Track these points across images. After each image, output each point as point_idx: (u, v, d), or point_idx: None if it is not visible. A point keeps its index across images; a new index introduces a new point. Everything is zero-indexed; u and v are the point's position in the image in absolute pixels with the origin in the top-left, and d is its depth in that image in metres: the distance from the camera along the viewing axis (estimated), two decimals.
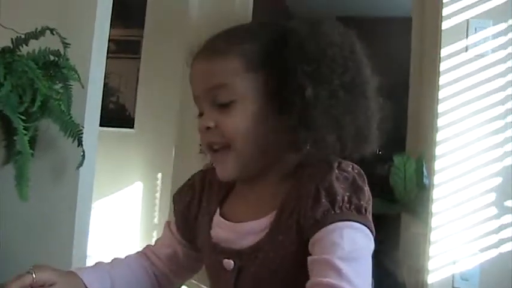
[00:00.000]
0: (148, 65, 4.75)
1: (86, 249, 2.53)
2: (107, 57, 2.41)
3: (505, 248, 2.48)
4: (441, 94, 2.56)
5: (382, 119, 1.05)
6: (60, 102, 2.09)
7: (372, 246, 0.93)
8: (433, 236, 2.55)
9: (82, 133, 2.10)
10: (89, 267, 1.11)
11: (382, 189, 3.40)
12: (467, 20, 2.54)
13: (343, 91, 0.95)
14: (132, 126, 4.78)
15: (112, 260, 1.16)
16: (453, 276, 2.51)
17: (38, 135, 2.19)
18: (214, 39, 1.03)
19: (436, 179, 2.56)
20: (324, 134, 0.94)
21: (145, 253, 1.20)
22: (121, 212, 4.56)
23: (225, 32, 1.03)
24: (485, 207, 2.50)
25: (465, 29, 2.53)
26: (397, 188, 3.17)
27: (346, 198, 0.92)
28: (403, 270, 3.32)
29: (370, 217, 0.94)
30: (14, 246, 2.06)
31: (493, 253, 2.49)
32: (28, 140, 2.01)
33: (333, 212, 0.91)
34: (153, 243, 1.22)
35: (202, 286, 4.03)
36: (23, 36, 2.09)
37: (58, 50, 2.12)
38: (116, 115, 4.86)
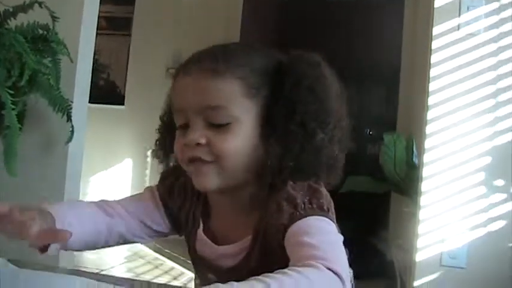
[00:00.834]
0: (139, 43, 4.72)
1: None
2: (98, 34, 2.39)
3: (493, 227, 2.49)
4: (432, 72, 2.55)
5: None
6: (49, 77, 2.08)
7: (340, 237, 0.95)
8: (421, 214, 2.56)
9: (71, 108, 2.09)
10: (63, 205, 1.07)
11: (372, 168, 3.41)
12: None
13: (336, 132, 1.01)
14: (122, 103, 4.76)
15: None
16: (441, 254, 2.53)
17: (26, 110, 2.18)
18: (212, 56, 1.00)
19: (426, 157, 2.57)
20: (320, 170, 1.00)
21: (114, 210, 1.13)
22: (111, 189, 4.56)
23: (223, 51, 1.02)
24: (474, 186, 2.51)
25: (457, 7, 2.52)
26: (386, 166, 3.17)
27: (306, 200, 0.95)
28: (392, 249, 3.34)
29: (333, 217, 0.97)
30: None
31: (482, 232, 2.50)
32: (16, 115, 2.00)
33: (297, 213, 0.93)
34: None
35: (174, 254, 4.04)
36: (11, 10, 2.07)
37: (47, 23, 2.10)
38: (106, 92, 4.84)
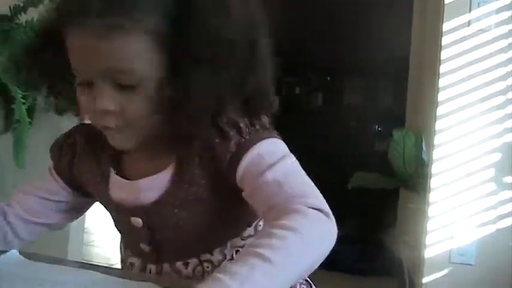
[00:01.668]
0: None
1: (83, 219, 2.53)
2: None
3: (502, 224, 2.49)
4: (442, 68, 2.54)
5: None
6: None
7: (293, 156, 0.92)
8: (431, 211, 2.55)
9: None
10: None
11: (381, 165, 3.40)
12: None
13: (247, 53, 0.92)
14: None
15: None
16: (450, 251, 2.52)
17: (36, 104, 2.19)
18: (108, 3, 0.84)
19: (435, 154, 2.56)
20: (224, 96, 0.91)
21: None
22: None
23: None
24: (483, 183, 2.50)
25: (468, 3, 2.51)
26: (395, 163, 3.16)
27: (247, 122, 0.92)
28: (400, 246, 3.33)
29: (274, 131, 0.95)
30: None
31: (491, 229, 2.49)
32: (26, 109, 2.01)
33: (243, 139, 0.90)
34: None
35: None
36: (21, 4, 2.08)
37: None
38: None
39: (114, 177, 1.01)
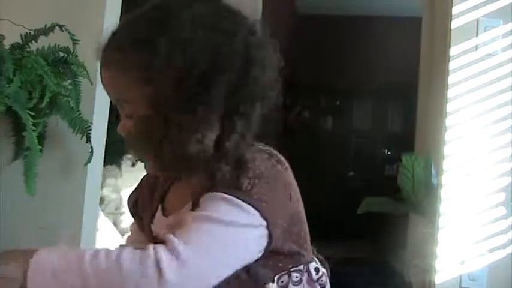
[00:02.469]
0: None
1: (94, 247, 2.54)
2: None
3: None
4: (450, 93, 2.54)
5: None
6: (69, 99, 2.10)
7: (244, 218, 0.89)
8: (440, 235, 2.54)
9: (90, 129, 2.11)
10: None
11: (390, 189, 3.39)
12: (477, 19, 2.52)
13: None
14: None
15: None
16: (461, 276, 2.50)
17: (46, 131, 2.20)
18: (110, 42, 1.00)
19: (445, 178, 2.55)
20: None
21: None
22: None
23: (118, 34, 1.01)
24: (494, 207, 2.49)
25: (475, 27, 2.52)
26: (405, 187, 3.16)
27: (228, 174, 0.91)
28: (410, 270, 3.31)
29: (255, 193, 0.90)
30: (21, 242, 2.07)
31: (502, 254, 2.47)
32: (37, 136, 2.02)
33: (211, 187, 0.92)
34: None
35: None
36: (32, 33, 2.10)
37: (67, 46, 2.13)
38: None
39: (158, 213, 1.10)
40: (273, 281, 0.97)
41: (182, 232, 0.85)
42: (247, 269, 0.91)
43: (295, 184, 0.98)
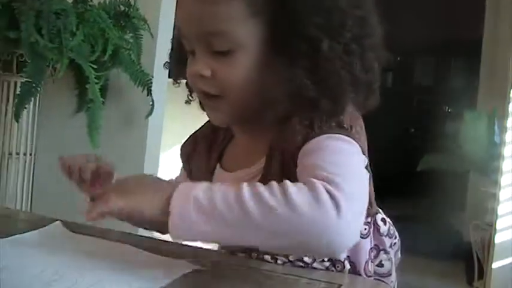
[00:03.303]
0: None
1: None
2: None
3: None
4: None
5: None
6: (131, 52, 2.13)
7: (360, 156, 0.86)
8: (502, 194, 2.49)
9: (151, 83, 2.14)
10: None
11: (451, 147, 3.34)
12: None
13: (355, 44, 0.88)
14: None
15: None
16: None
17: (108, 84, 2.25)
18: None
19: (508, 136, 2.49)
20: (339, 89, 0.88)
21: None
22: None
23: None
24: None
25: None
26: (466, 144, 3.10)
27: (324, 119, 0.86)
28: (470, 229, 3.27)
29: (359, 136, 0.87)
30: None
31: None
32: (99, 89, 2.06)
33: (312, 132, 0.85)
34: None
35: None
36: None
37: (128, 0, 2.15)
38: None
39: (217, 170, 1.03)
40: None
41: (320, 170, 0.77)
42: None
43: None
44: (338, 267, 0.94)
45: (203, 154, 1.07)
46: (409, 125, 5.89)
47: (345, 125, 0.86)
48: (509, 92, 2.48)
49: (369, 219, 0.98)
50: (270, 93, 0.89)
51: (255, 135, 0.97)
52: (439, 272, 3.54)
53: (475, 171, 3.42)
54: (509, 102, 2.48)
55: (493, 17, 3.77)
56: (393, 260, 1.02)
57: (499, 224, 2.49)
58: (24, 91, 2.02)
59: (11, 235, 0.90)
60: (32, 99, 2.07)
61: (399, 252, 1.04)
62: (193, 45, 0.91)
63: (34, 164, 2.29)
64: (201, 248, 1.04)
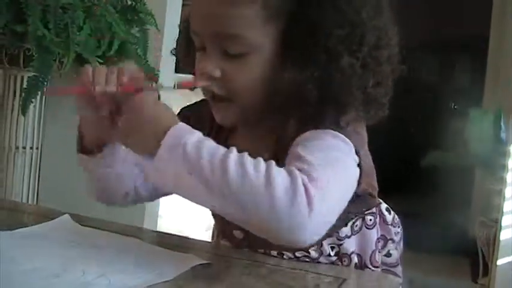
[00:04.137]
0: None
1: (157, 208, 2.59)
2: (184, 4, 2.42)
3: None
4: None
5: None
6: (137, 47, 2.13)
7: (349, 156, 0.84)
8: (508, 191, 2.49)
9: (158, 77, 2.14)
10: None
11: (456, 144, 3.33)
12: None
13: (371, 57, 0.87)
14: None
15: None
16: None
17: None
18: None
19: None
20: (349, 107, 0.87)
21: None
22: None
23: None
24: None
25: None
26: (472, 141, 3.10)
27: (323, 115, 0.85)
28: (475, 226, 3.27)
29: (356, 135, 0.87)
30: None
31: None
32: None
33: (306, 127, 0.85)
34: None
35: None
36: None
37: None
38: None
39: None
40: (346, 225, 0.95)
41: (301, 163, 0.77)
42: None
43: None
44: (345, 261, 0.95)
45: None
46: (414, 122, 5.88)
47: (340, 123, 0.85)
48: None
49: (374, 210, 0.98)
50: (276, 97, 0.87)
51: (259, 135, 0.95)
52: (443, 268, 3.54)
53: (480, 168, 3.42)
54: None
55: (499, 14, 3.76)
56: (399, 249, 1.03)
57: (505, 221, 2.49)
58: (31, 85, 2.02)
59: (18, 228, 0.90)
60: (39, 93, 2.08)
61: (401, 242, 1.04)
62: (205, 43, 0.89)
63: (40, 157, 2.29)
64: (208, 242, 1.05)
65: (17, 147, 2.19)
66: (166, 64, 2.21)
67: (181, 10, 2.40)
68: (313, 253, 0.94)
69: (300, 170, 0.76)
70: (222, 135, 1.00)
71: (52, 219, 0.96)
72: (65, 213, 0.99)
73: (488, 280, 2.79)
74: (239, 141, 0.97)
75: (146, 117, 0.81)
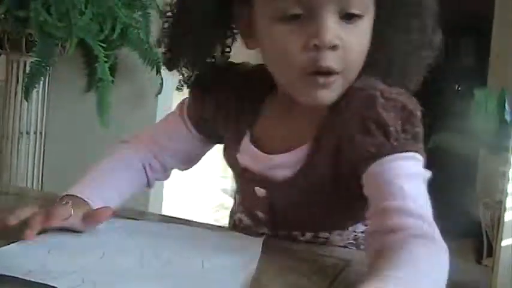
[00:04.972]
0: None
1: (162, 192, 2.59)
2: None
3: None
4: None
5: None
6: (139, 31, 2.12)
7: (424, 177, 0.82)
8: None
9: (160, 61, 2.13)
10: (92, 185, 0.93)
11: (461, 125, 3.32)
12: None
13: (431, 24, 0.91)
14: None
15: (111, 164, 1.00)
16: None
17: (117, 63, 2.25)
18: None
19: None
20: (418, 77, 0.92)
21: (151, 150, 1.02)
22: None
23: None
24: None
25: None
26: (476, 123, 3.09)
27: (399, 127, 0.79)
28: (479, 207, 3.27)
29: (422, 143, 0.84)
30: None
31: None
32: (108, 68, 2.06)
33: (388, 145, 0.78)
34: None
35: None
36: None
37: None
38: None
39: (246, 143, 0.93)
40: None
41: (406, 202, 0.76)
42: None
43: None
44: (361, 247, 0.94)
45: (232, 117, 0.95)
46: (419, 102, 5.87)
47: (419, 137, 0.83)
48: None
49: None
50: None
51: (295, 117, 0.89)
52: (448, 249, 3.54)
53: (485, 150, 3.42)
54: None
55: None
56: None
57: (509, 202, 2.49)
58: (34, 70, 2.02)
59: None
60: (42, 78, 2.08)
61: None
62: (313, 5, 0.77)
63: (44, 142, 2.30)
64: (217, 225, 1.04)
65: (21, 133, 2.20)
66: None
67: None
68: (335, 236, 0.95)
69: (408, 209, 0.75)
70: (245, 118, 0.93)
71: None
72: None
73: (493, 261, 2.79)
74: (269, 127, 0.92)
75: None
